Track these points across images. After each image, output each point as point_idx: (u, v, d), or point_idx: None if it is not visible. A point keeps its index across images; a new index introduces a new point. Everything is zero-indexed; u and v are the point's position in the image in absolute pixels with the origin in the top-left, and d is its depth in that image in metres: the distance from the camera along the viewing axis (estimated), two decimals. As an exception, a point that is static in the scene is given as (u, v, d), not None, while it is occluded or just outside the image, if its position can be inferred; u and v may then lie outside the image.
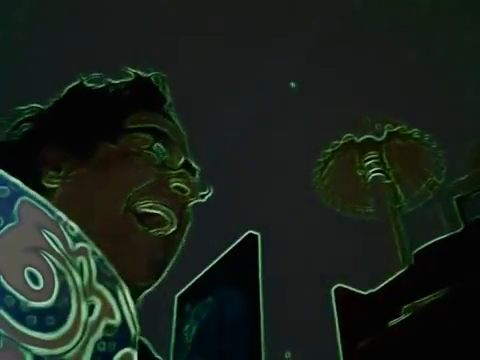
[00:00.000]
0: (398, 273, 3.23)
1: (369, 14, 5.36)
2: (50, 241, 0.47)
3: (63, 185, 0.80)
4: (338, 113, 5.68)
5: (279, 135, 6.03)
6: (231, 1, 5.43)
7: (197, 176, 0.88)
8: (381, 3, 5.34)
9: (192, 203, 0.83)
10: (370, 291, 3.26)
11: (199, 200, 0.84)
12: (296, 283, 5.25)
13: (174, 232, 0.79)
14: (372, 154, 6.43)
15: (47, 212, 0.49)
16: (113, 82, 0.89)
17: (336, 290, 3.63)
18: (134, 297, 0.80)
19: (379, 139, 6.40)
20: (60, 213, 0.50)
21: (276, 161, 6.19)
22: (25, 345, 0.41)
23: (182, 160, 0.87)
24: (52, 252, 0.46)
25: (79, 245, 0.50)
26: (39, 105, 0.88)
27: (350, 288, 3.57)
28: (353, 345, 2.69)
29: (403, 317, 2.48)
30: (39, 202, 0.49)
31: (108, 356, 0.46)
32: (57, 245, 0.47)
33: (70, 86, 0.88)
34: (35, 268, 0.44)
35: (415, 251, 3.20)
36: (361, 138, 6.44)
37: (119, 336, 0.47)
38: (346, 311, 3.39)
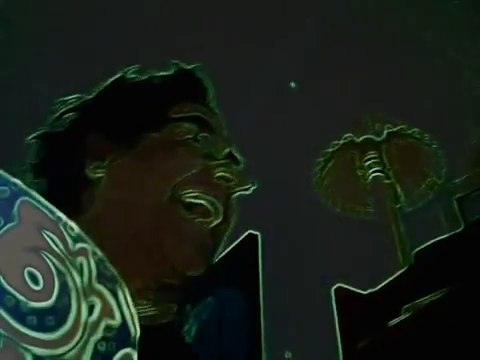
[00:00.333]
0: (398, 273, 3.23)
1: (369, 14, 5.36)
2: (50, 241, 0.47)
3: (108, 174, 0.81)
4: (338, 113, 5.68)
5: (279, 135, 6.04)
6: (231, 1, 5.43)
7: (241, 166, 0.88)
8: (381, 3, 5.34)
9: (237, 194, 0.83)
10: (370, 291, 3.26)
11: (243, 192, 0.84)
12: (296, 283, 5.25)
13: (220, 223, 0.79)
14: (372, 154, 6.43)
15: (47, 212, 0.49)
16: (156, 74, 0.89)
17: (336, 290, 3.63)
18: (183, 286, 0.79)
19: (379, 139, 6.40)
20: (60, 213, 0.50)
21: (276, 161, 6.19)
22: (25, 345, 0.41)
23: (226, 150, 0.87)
24: (52, 252, 0.46)
25: (79, 245, 0.50)
26: (81, 95, 0.88)
27: (350, 288, 3.57)
28: (353, 345, 2.69)
29: (403, 317, 2.48)
30: (39, 202, 0.49)
31: (108, 356, 0.46)
32: (57, 245, 0.47)
33: (113, 77, 0.88)
34: (35, 268, 0.44)
35: (415, 251, 3.20)
36: (361, 138, 6.44)
37: (119, 336, 0.47)
38: (346, 311, 3.39)
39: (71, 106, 0.87)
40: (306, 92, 5.78)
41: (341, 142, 6.51)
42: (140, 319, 0.73)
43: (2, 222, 0.45)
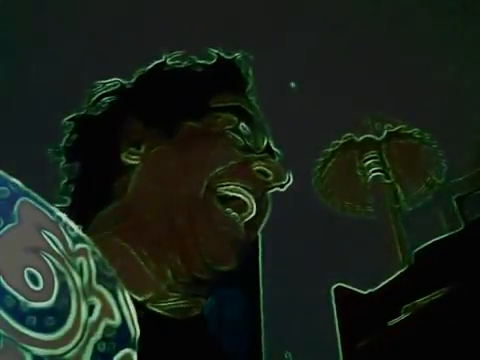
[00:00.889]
0: (398, 273, 3.23)
1: (369, 14, 5.36)
2: (50, 242, 0.47)
3: (143, 162, 0.78)
4: (338, 113, 5.68)
5: (279, 135, 6.03)
6: (231, 1, 5.43)
7: (277, 160, 0.86)
8: (381, 4, 5.35)
9: (273, 189, 0.81)
10: (370, 291, 3.26)
11: (279, 188, 0.82)
12: (296, 283, 5.25)
13: (254, 217, 0.77)
14: (372, 154, 6.42)
15: (47, 213, 0.49)
16: (197, 62, 0.87)
17: (336, 290, 3.63)
18: (213, 282, 0.78)
19: (379, 139, 6.39)
20: (60, 213, 0.50)
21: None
22: (25, 345, 0.41)
23: (265, 142, 0.85)
24: (52, 253, 0.46)
25: (79, 246, 0.50)
26: (120, 79, 0.85)
27: (350, 288, 3.57)
28: (353, 345, 2.69)
29: (403, 317, 2.48)
30: (39, 203, 0.49)
31: (108, 356, 0.46)
32: (57, 246, 0.47)
33: (154, 63, 0.86)
34: (35, 269, 0.44)
35: (415, 251, 3.20)
36: (361, 138, 6.44)
37: (119, 337, 0.47)
38: (346, 311, 3.39)
39: (109, 90, 0.85)
40: (306, 92, 5.78)
41: (341, 142, 6.50)
42: (170, 312, 0.72)
43: (2, 222, 0.45)
